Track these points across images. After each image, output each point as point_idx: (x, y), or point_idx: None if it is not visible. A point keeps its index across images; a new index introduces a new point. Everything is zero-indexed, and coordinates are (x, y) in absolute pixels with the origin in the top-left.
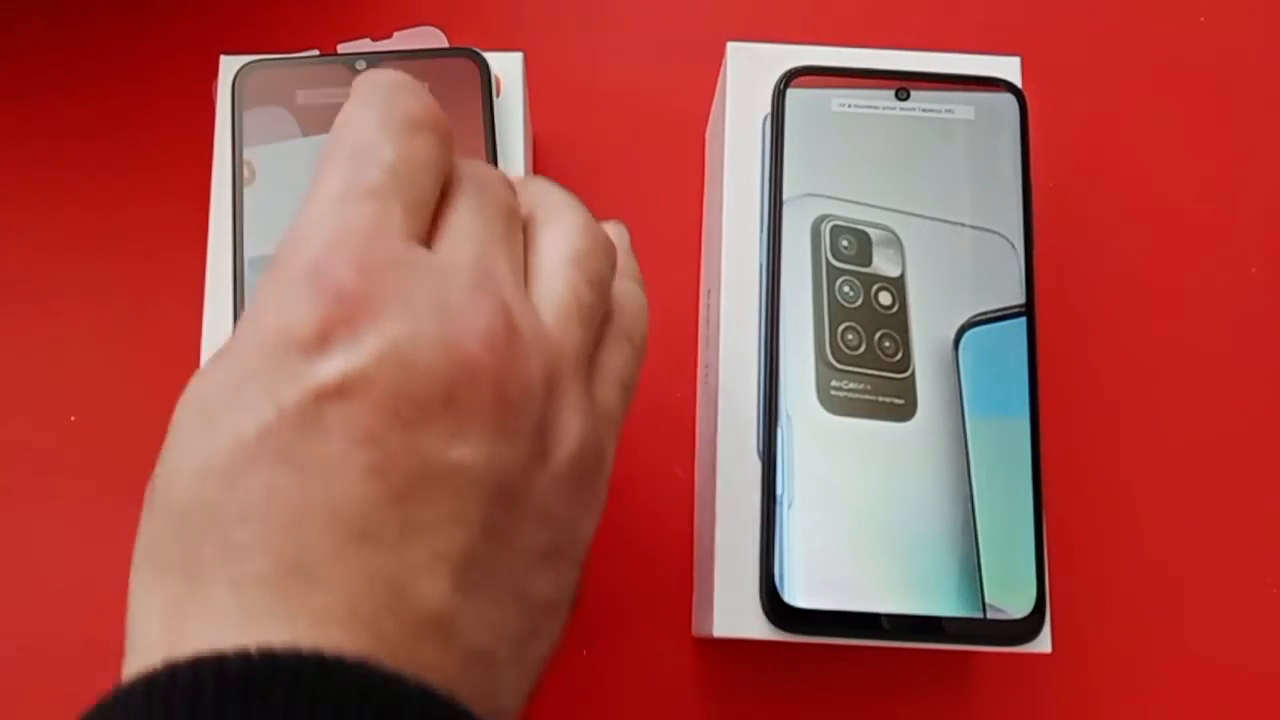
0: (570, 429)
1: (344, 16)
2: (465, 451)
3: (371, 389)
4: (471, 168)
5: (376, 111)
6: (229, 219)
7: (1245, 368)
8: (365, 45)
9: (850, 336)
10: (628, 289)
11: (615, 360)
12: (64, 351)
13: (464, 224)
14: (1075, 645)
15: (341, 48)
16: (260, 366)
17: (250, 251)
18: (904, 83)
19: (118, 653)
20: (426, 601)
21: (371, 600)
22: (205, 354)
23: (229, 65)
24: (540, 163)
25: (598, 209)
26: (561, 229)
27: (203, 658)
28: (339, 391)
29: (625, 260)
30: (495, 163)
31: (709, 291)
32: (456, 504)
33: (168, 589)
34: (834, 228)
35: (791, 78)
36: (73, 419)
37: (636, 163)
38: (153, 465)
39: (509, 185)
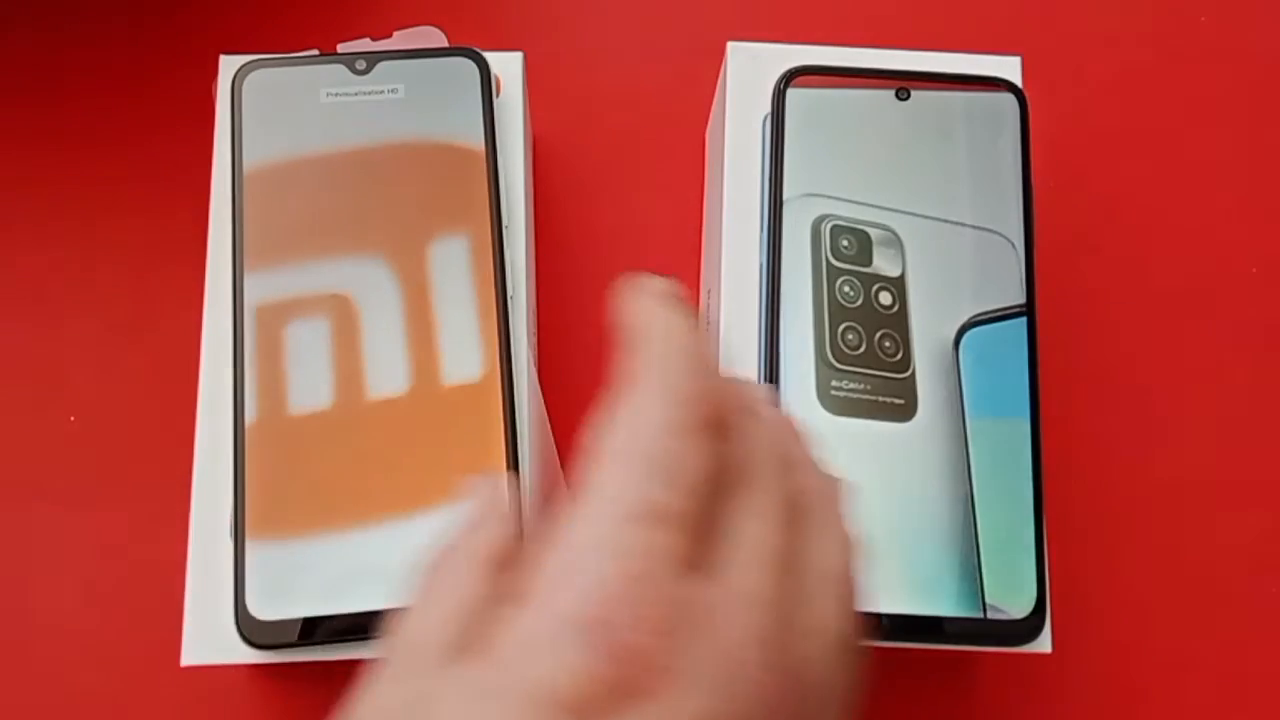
0: None
1: (344, 16)
2: None
3: None
4: (757, 444)
5: (664, 404)
6: (229, 219)
7: (1245, 367)
8: (365, 45)
9: (850, 336)
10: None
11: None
12: (64, 352)
13: (745, 537)
14: (1075, 645)
15: (341, 47)
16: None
17: (250, 250)
18: (904, 82)
19: (116, 652)
20: None
21: None
22: (205, 355)
23: (229, 65)
24: (540, 163)
25: (598, 209)
26: (834, 539)
27: None
28: None
29: None
30: (495, 163)
31: (709, 291)
32: None
33: None
34: (834, 227)
35: (791, 78)
36: (72, 419)
37: (636, 163)
38: (154, 464)
39: (789, 468)
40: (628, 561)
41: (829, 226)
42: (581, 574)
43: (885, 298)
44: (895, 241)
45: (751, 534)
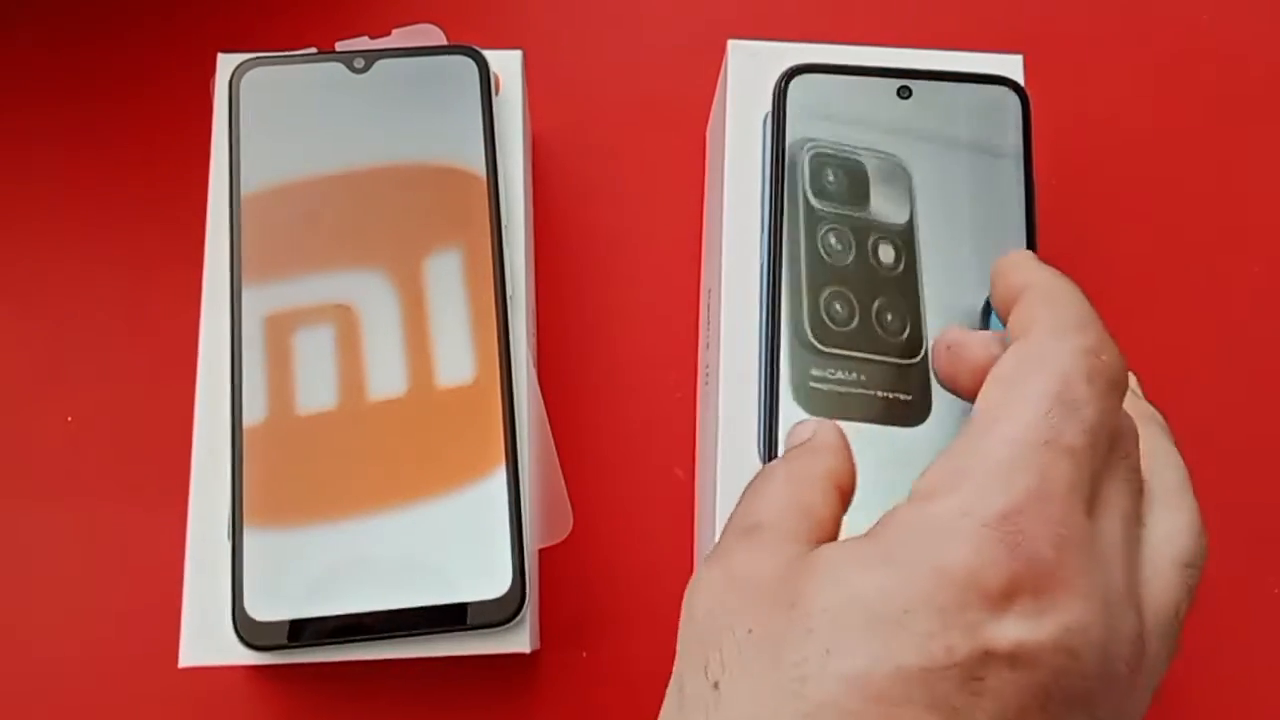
0: None
1: (342, 14)
2: None
3: (1037, 668)
4: (1124, 428)
5: (1081, 355)
6: (226, 218)
7: (1247, 366)
8: (364, 43)
9: (838, 306)
10: None
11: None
12: (63, 352)
13: (1118, 500)
14: None
15: (340, 45)
16: (938, 600)
17: (258, 264)
18: (906, 80)
19: (114, 653)
20: None
21: None
22: (203, 353)
23: (227, 63)
24: (540, 162)
25: (598, 209)
26: (1179, 523)
27: None
28: (1009, 659)
29: None
30: (495, 163)
31: (709, 291)
32: None
33: None
34: (816, 155)
35: (792, 75)
36: (70, 419)
37: (636, 162)
38: (152, 465)
39: (1137, 442)
40: (1043, 481)
41: (810, 154)
42: (998, 481)
43: (886, 253)
44: (902, 174)
45: (1116, 496)
